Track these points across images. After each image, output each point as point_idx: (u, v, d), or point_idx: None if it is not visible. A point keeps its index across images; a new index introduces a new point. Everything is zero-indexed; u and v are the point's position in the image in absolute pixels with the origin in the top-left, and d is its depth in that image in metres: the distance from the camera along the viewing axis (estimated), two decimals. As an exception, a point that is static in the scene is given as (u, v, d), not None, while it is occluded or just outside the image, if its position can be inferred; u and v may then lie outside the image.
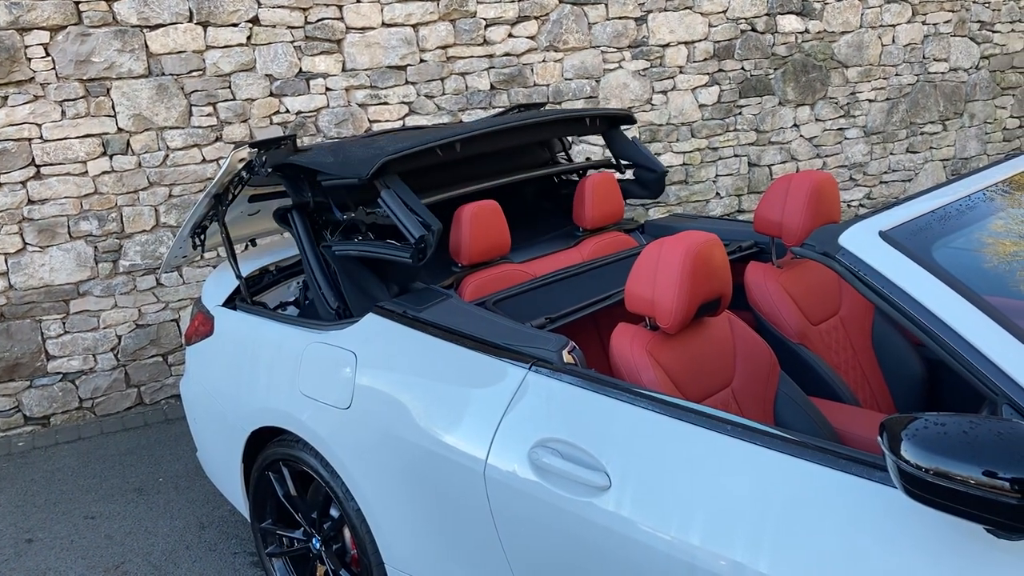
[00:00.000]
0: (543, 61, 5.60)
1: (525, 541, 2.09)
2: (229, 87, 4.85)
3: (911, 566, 1.50)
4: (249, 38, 4.85)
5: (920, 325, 1.57)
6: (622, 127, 4.55)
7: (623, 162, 3.60)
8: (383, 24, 5.14)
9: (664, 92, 5.98)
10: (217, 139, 4.87)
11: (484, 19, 5.39)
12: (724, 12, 6.03)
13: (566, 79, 5.68)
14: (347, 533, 2.72)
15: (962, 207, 1.87)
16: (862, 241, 1.71)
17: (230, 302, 3.15)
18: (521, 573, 2.13)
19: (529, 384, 2.14)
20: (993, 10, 6.93)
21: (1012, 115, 7.24)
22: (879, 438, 1.45)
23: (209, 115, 4.83)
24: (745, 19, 6.11)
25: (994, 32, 6.99)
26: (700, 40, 6.00)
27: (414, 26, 5.22)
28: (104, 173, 4.69)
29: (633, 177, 3.59)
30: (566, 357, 2.15)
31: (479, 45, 5.40)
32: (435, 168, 3.17)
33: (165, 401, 5.09)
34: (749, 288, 2.82)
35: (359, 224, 2.82)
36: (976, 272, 1.71)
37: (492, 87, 5.48)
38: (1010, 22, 7.03)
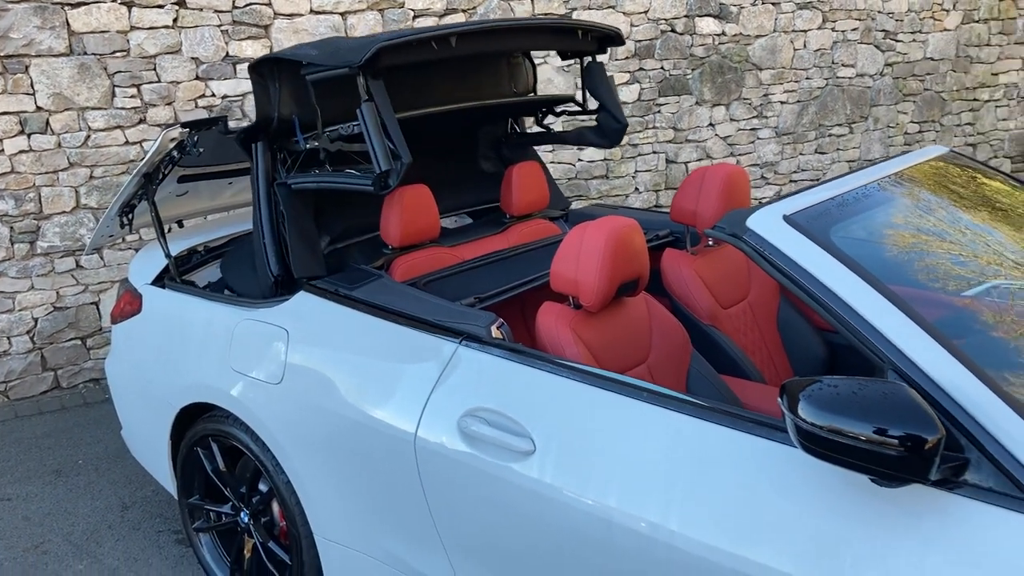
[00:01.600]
0: (470, 54, 5.69)
1: (453, 506, 2.20)
2: (154, 69, 4.81)
3: (807, 514, 1.66)
4: (175, 20, 4.82)
5: (816, 299, 1.73)
6: (607, 54, 4.22)
7: (591, 109, 3.56)
8: (311, 11, 5.17)
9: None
10: (141, 121, 4.83)
11: (412, 10, 5.46)
12: (645, 13, 6.22)
13: (492, 72, 5.78)
14: (276, 506, 2.78)
15: (858, 195, 2.05)
16: (767, 223, 1.86)
17: (158, 281, 3.16)
18: (449, 537, 2.24)
19: (459, 358, 2.25)
20: (896, 20, 7.31)
21: (912, 120, 7.64)
22: (779, 399, 1.61)
23: (133, 97, 4.78)
24: (665, 20, 6.31)
25: (897, 41, 7.37)
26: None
27: (342, 14, 5.25)
28: (21, 152, 4.60)
29: (595, 123, 3.57)
30: (494, 332, 2.26)
31: (407, 36, 5.46)
32: (404, 85, 3.13)
33: (84, 385, 5.02)
34: (665, 273, 2.98)
35: (320, 154, 2.78)
36: (868, 253, 1.88)
37: (419, 77, 5.55)
38: (911, 32, 7.42)
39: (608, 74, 4.86)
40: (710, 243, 3.13)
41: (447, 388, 2.23)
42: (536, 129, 5.72)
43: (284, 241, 2.81)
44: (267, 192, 2.83)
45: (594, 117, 3.51)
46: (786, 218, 1.87)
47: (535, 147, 4.60)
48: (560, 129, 6.08)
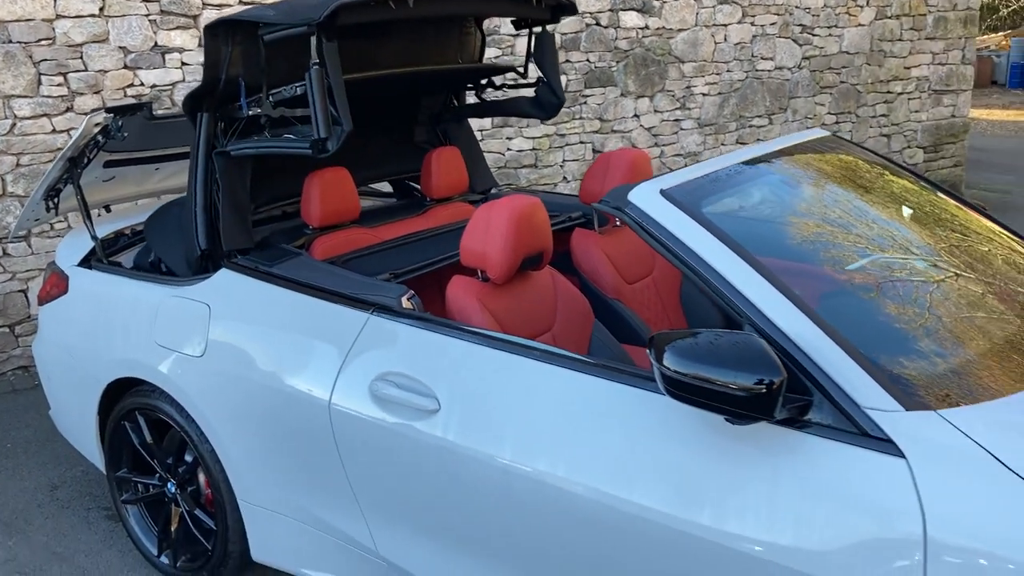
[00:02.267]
0: (399, 45, 5.81)
1: (365, 463, 2.35)
2: (81, 58, 4.85)
3: (676, 455, 1.85)
4: (102, 9, 4.86)
5: (685, 262, 1.92)
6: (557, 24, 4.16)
7: (531, 81, 3.63)
8: (240, 2, 5.24)
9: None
10: (68, 109, 4.86)
11: None
12: (571, 6, 6.40)
13: (421, 63, 5.92)
14: (201, 476, 2.90)
15: (731, 173, 2.25)
16: (646, 197, 2.05)
17: (85, 263, 3.24)
18: (362, 492, 2.39)
19: (371, 327, 2.40)
20: (813, 15, 7.62)
21: (829, 111, 7.97)
22: (648, 351, 1.79)
23: (60, 85, 4.81)
24: (590, 14, 6.51)
25: (814, 35, 7.68)
26: (519, 35, 6.35)
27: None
28: (-53, 140, 4.61)
29: (533, 94, 3.65)
30: (404, 303, 2.42)
31: (336, 26, 5.57)
32: (351, 47, 3.14)
33: (12, 372, 5.03)
34: (574, 251, 3.16)
35: (261, 119, 2.80)
36: (732, 223, 2.08)
37: (349, 68, 5.66)
38: (828, 27, 7.74)
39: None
40: (617, 224, 3.32)
41: (359, 355, 2.37)
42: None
43: (217, 213, 2.88)
44: (206, 161, 2.87)
45: (533, 89, 3.62)
46: (663, 192, 2.06)
47: (471, 120, 4.65)
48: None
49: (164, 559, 3.03)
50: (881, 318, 1.96)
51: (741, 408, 1.69)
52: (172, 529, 3.02)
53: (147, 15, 4.99)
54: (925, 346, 1.89)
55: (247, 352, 2.59)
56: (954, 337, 1.94)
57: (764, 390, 1.66)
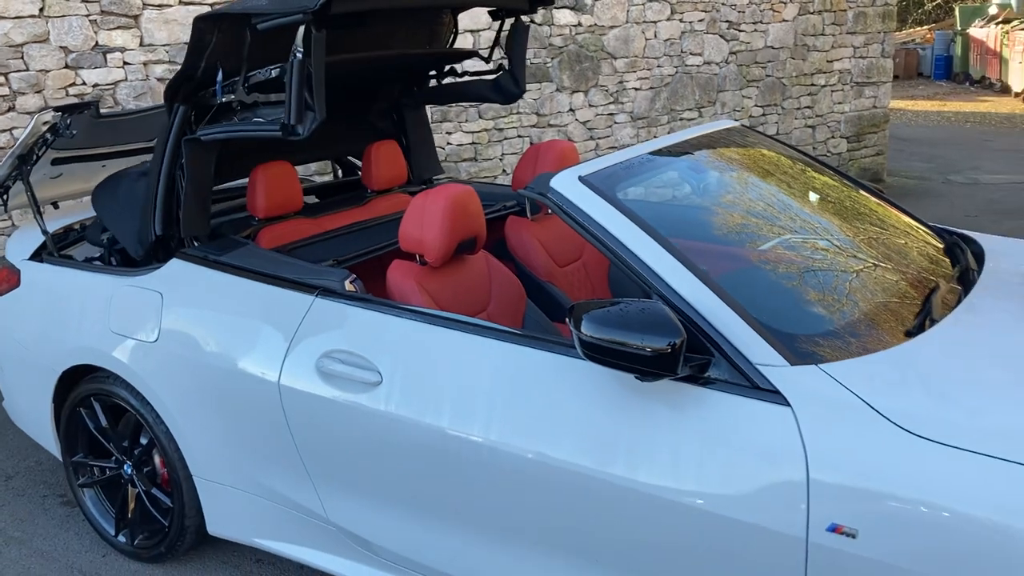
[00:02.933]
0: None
1: (314, 436, 2.53)
2: (22, 58, 4.91)
3: (593, 413, 2.07)
4: (42, 10, 4.93)
5: (601, 241, 2.14)
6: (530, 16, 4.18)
7: (493, 69, 3.75)
8: (180, 3, 5.34)
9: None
10: (10, 109, 4.92)
11: None
12: (506, 4, 6.61)
13: (360, 60, 6.08)
14: (157, 457, 3.05)
15: (643, 161, 2.48)
16: (566, 183, 2.26)
17: (36, 257, 3.36)
18: (311, 463, 2.57)
19: (316, 309, 2.58)
20: (739, 12, 7.94)
21: (756, 104, 8.30)
22: (567, 320, 2.01)
23: (1, 85, 4.87)
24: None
25: (740, 31, 8.00)
26: (484, 29, 6.56)
27: (211, 5, 5.44)
28: None
29: (492, 79, 3.76)
30: (347, 286, 2.60)
31: (276, 25, 5.70)
32: (336, 35, 3.21)
33: (-41, 370, 5.07)
34: (508, 237, 3.37)
35: (233, 105, 2.89)
36: (643, 205, 2.31)
37: (289, 66, 5.79)
38: (753, 23, 8.06)
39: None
40: (548, 212, 3.54)
41: (306, 335, 2.55)
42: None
43: (179, 200, 2.98)
44: (175, 148, 2.95)
45: (495, 76, 3.75)
46: (581, 178, 2.28)
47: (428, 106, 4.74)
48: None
49: (122, 538, 3.17)
50: (772, 287, 2.20)
51: (648, 367, 1.91)
52: (129, 509, 3.15)
53: (87, 15, 5.06)
54: (810, 310, 2.14)
55: (199, 336, 2.74)
56: (835, 301, 2.19)
57: (668, 350, 1.88)
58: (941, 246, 2.75)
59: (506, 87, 3.74)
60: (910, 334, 2.11)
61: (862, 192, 2.89)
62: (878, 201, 2.89)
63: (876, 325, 2.12)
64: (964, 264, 2.58)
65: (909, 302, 2.27)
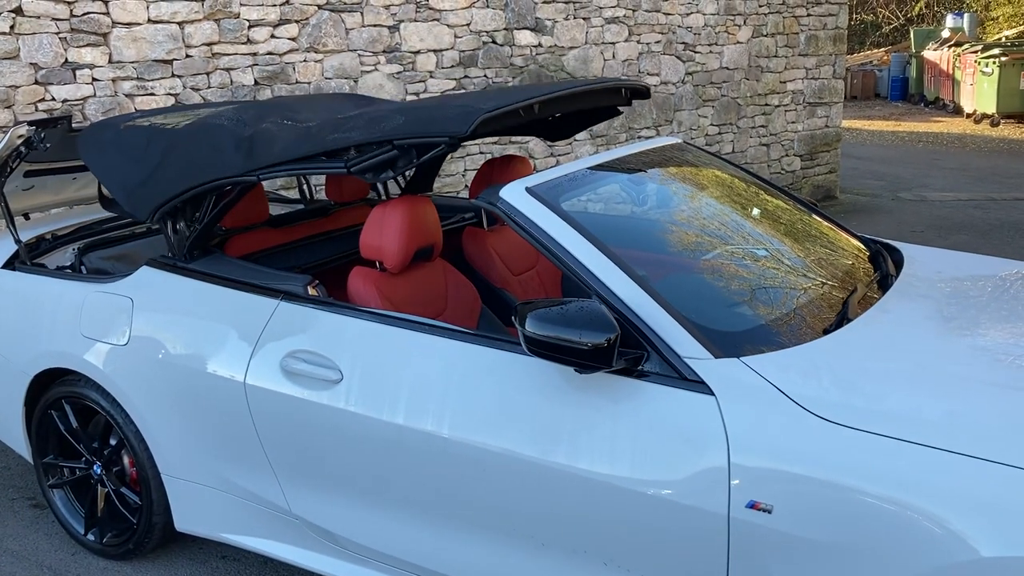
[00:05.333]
0: (304, 61, 6.13)
1: (278, 433, 2.68)
2: (-8, 73, 5.02)
3: (537, 405, 2.24)
4: (12, 27, 5.04)
5: (545, 247, 2.32)
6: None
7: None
8: (149, 21, 5.48)
9: (417, 94, 6.69)
10: (-20, 123, 5.02)
11: (248, 20, 5.85)
12: (468, 25, 6.82)
13: (326, 78, 6.24)
14: (126, 457, 3.17)
15: (586, 174, 2.67)
16: (514, 194, 2.44)
17: (8, 266, 3.47)
18: (276, 459, 2.72)
19: (280, 312, 2.73)
20: (695, 34, 8.21)
21: (712, 123, 8.58)
22: (512, 318, 2.18)
23: (-29, 100, 4.97)
24: (486, 32, 6.93)
25: (696, 53, 8.28)
26: (447, 49, 6.76)
27: (180, 23, 5.59)
28: None
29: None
30: (310, 291, 2.76)
31: (243, 44, 5.85)
32: None
33: (-74, 381, 5.13)
34: (465, 247, 3.54)
35: None
36: (585, 214, 2.50)
37: (256, 83, 5.95)
38: (708, 45, 8.35)
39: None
40: (503, 222, 3.71)
41: (270, 337, 2.70)
42: None
43: (189, 217, 3.03)
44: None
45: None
46: (528, 189, 2.46)
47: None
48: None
49: (91, 536, 3.28)
50: (702, 289, 2.40)
51: (587, 360, 2.09)
52: (98, 508, 3.27)
53: (57, 33, 5.18)
54: (735, 310, 2.33)
55: (169, 340, 2.88)
56: (759, 302, 2.39)
57: (605, 344, 2.06)
58: (867, 254, 2.97)
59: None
60: (827, 331, 2.31)
61: (796, 204, 3.11)
62: (809, 213, 3.10)
63: (796, 323, 2.32)
64: (884, 270, 2.80)
65: (829, 303, 2.47)
